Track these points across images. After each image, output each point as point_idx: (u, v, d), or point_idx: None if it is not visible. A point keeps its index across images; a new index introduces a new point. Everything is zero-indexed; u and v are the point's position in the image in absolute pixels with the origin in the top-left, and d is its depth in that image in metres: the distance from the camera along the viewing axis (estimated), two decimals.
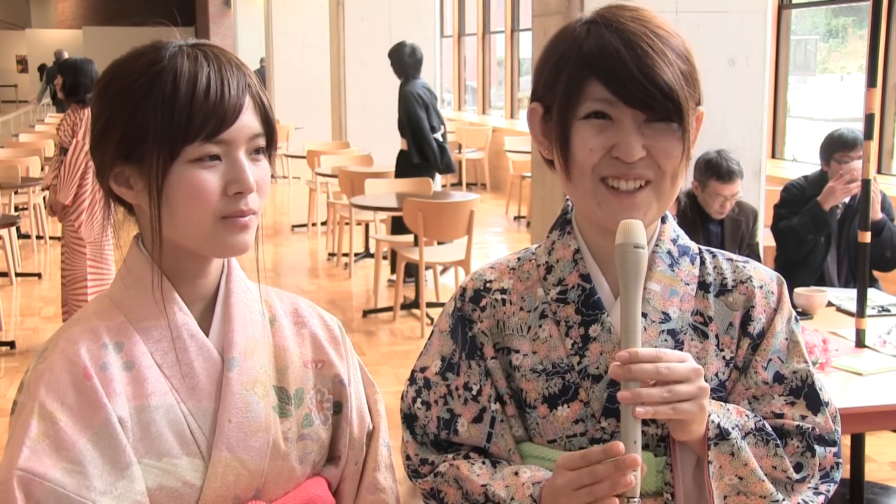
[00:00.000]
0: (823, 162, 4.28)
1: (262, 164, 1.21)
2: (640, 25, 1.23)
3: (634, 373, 1.15)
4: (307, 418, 1.30)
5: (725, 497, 1.25)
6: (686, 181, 4.05)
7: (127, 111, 1.16)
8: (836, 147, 4.20)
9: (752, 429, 1.27)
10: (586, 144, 1.23)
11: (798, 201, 4.26)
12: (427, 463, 1.34)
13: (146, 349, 1.20)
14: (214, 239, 1.19)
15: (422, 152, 6.89)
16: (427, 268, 6.39)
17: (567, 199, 1.37)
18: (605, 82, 1.21)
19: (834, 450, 1.32)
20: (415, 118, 6.84)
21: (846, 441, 3.63)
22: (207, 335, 1.24)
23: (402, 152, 7.06)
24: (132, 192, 1.21)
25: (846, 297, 3.70)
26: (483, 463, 1.31)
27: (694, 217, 3.98)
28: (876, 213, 4.01)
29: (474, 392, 1.32)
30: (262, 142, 1.21)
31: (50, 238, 8.56)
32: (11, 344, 5.79)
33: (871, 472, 3.81)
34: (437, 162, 6.93)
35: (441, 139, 7.00)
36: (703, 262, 1.34)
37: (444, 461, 1.33)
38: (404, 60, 7.04)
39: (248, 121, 1.19)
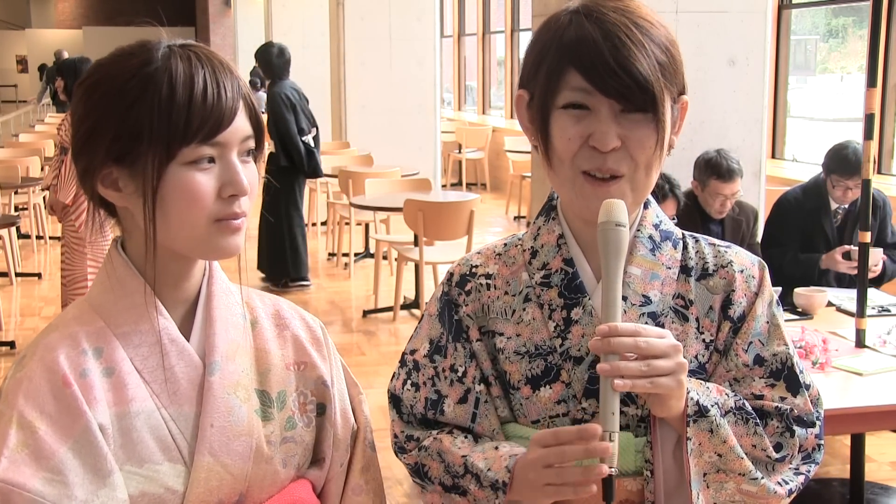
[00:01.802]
0: (824, 171, 4.19)
1: (251, 166, 1.21)
2: (622, 16, 1.24)
3: (614, 346, 1.17)
4: (290, 421, 1.29)
5: (705, 475, 1.27)
6: (687, 180, 4.06)
7: (119, 112, 1.14)
8: (835, 168, 4.09)
9: (731, 407, 1.29)
10: (565, 134, 1.26)
11: (794, 216, 4.19)
12: (413, 439, 1.37)
13: (126, 354, 1.18)
14: (208, 242, 1.18)
15: (288, 155, 6.79)
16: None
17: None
18: (582, 73, 1.23)
19: (815, 431, 1.34)
20: (281, 120, 6.73)
21: (846, 441, 3.63)
22: (189, 339, 1.23)
23: (270, 154, 6.92)
24: (120, 195, 1.19)
25: (846, 297, 3.70)
26: (465, 437, 1.34)
27: (694, 217, 3.98)
28: (874, 274, 3.89)
29: (459, 374, 1.35)
30: (252, 143, 1.21)
31: (50, 238, 8.56)
32: (11, 344, 5.79)
33: (871, 472, 3.81)
34: (303, 165, 6.82)
35: (311, 142, 6.87)
36: (685, 247, 1.37)
37: (429, 436, 1.35)
38: (273, 61, 6.91)
39: (241, 123, 1.18)
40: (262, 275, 7.08)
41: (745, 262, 1.37)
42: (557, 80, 1.26)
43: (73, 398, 1.12)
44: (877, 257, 3.90)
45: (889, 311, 3.56)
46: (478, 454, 1.30)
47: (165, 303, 1.22)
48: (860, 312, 3.12)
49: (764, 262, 1.39)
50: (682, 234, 1.39)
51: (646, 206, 1.36)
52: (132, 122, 1.14)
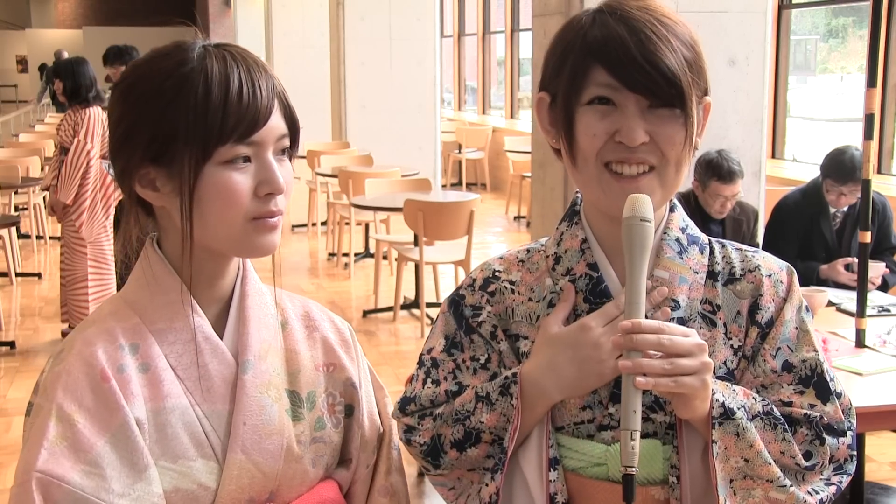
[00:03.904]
0: (821, 174, 4.21)
1: (287, 165, 1.22)
2: (646, 14, 1.24)
3: (636, 342, 1.15)
4: (319, 421, 1.30)
5: (732, 481, 1.24)
6: (687, 180, 4.06)
7: (156, 113, 1.15)
8: (830, 174, 4.13)
9: (759, 412, 1.25)
10: (590, 130, 1.24)
11: (793, 220, 4.20)
12: (427, 415, 1.34)
13: (161, 351, 1.20)
14: (245, 240, 1.19)
15: None
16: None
17: (576, 192, 1.38)
18: (608, 68, 1.22)
19: (846, 441, 1.30)
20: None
21: None
22: (222, 337, 1.24)
23: None
24: (157, 195, 1.20)
25: (846, 297, 3.71)
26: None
27: (695, 217, 3.98)
28: (873, 287, 3.90)
29: (482, 361, 1.33)
30: (287, 142, 1.21)
31: (50, 238, 8.57)
32: (11, 344, 5.78)
33: (871, 472, 3.82)
34: None
35: None
36: (712, 252, 1.35)
37: (444, 403, 1.34)
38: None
39: (276, 122, 1.19)
40: None
41: (772, 267, 1.34)
42: (583, 77, 1.24)
43: (111, 392, 1.14)
44: (878, 271, 3.91)
45: (889, 311, 3.57)
46: (487, 383, 1.30)
47: (200, 301, 1.24)
48: (860, 312, 3.13)
49: (793, 267, 1.37)
50: (709, 239, 1.37)
51: (672, 209, 1.34)
52: (169, 122, 1.15)
